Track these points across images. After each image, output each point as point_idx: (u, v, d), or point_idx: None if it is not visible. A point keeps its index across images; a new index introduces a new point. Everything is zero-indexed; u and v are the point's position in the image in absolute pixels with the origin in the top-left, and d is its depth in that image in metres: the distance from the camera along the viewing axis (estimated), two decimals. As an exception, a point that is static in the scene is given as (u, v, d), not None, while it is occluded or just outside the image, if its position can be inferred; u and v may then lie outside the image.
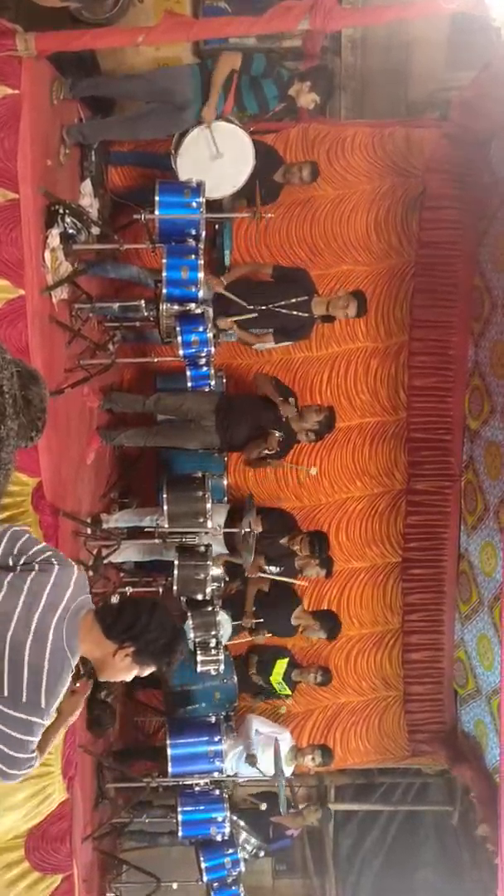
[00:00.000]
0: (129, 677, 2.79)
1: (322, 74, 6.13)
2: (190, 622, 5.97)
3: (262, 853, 6.91)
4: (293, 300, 6.21)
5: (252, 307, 6.14)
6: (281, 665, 6.93)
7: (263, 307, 6.17)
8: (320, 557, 6.59)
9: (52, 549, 2.82)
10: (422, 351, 7.19)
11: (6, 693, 2.53)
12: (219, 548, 6.24)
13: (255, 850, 6.75)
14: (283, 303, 6.19)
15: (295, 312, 6.24)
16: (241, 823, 6.62)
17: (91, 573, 5.52)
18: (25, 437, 2.65)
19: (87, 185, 5.81)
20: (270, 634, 6.81)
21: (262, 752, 6.37)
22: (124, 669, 2.74)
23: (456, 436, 7.27)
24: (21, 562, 2.70)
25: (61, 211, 4.92)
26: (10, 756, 2.57)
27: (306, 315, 6.31)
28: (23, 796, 4.52)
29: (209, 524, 5.82)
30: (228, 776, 6.12)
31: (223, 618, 6.23)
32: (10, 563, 2.70)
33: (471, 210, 6.87)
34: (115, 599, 2.81)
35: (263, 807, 6.60)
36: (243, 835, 6.59)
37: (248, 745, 6.38)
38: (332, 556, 6.89)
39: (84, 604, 2.71)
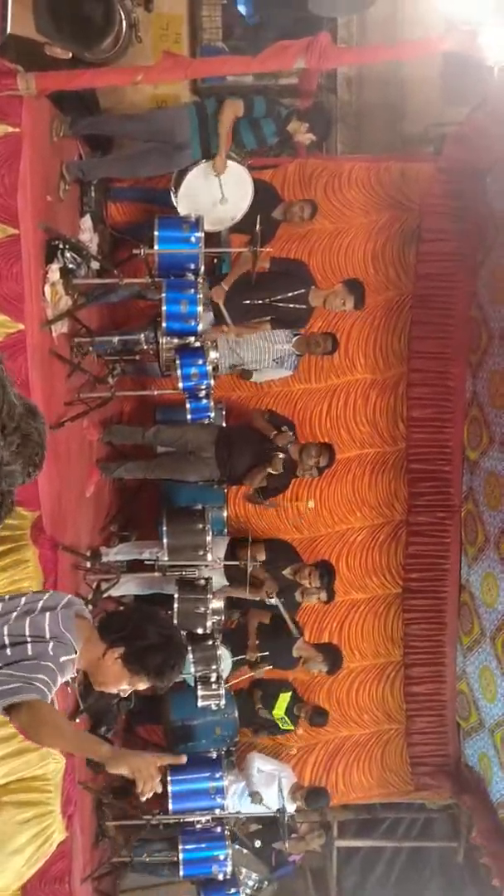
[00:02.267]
0: (122, 686, 2.73)
1: (320, 115, 6.24)
2: (190, 657, 5.92)
3: (265, 884, 6.81)
4: (291, 294, 6.23)
5: (249, 302, 6.15)
6: (284, 699, 6.84)
7: (261, 301, 6.18)
8: (328, 589, 6.55)
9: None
10: (420, 382, 7.22)
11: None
12: (219, 580, 6.21)
13: (256, 885, 6.65)
14: (280, 297, 6.21)
15: (293, 305, 6.26)
16: (244, 852, 6.51)
17: (91, 607, 5.49)
18: (24, 473, 2.64)
19: (86, 221, 5.87)
20: (270, 667, 6.75)
21: (265, 790, 6.29)
22: (116, 675, 2.70)
23: (455, 466, 7.28)
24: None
25: (61, 246, 4.97)
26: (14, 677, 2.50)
27: (304, 307, 6.32)
28: (26, 838, 4.44)
29: (209, 557, 5.80)
30: (230, 813, 6.03)
31: (223, 652, 6.18)
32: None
33: (467, 242, 6.94)
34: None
35: (258, 844, 6.50)
36: (244, 871, 6.49)
37: (249, 783, 6.30)
38: (333, 587, 6.85)
39: (74, 602, 2.69)
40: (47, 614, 2.61)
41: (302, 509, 7.18)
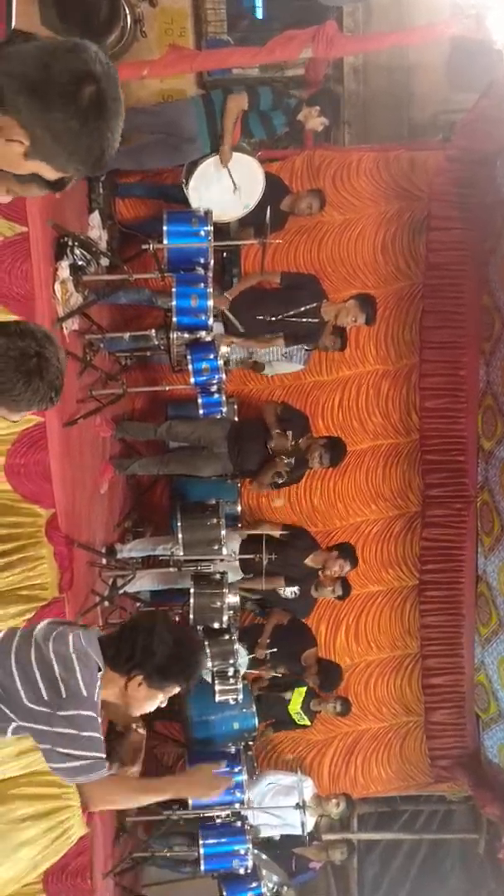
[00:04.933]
0: (156, 704, 2.72)
1: (328, 98, 6.20)
2: (207, 651, 5.92)
3: (284, 889, 6.79)
4: (303, 308, 6.21)
5: (261, 318, 6.13)
6: (299, 694, 6.83)
7: (273, 318, 6.16)
8: (351, 560, 6.50)
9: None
10: (433, 372, 7.18)
11: (34, 700, 2.50)
12: (234, 574, 6.20)
13: (276, 888, 6.63)
14: (292, 312, 6.19)
15: (305, 319, 6.24)
16: (263, 857, 6.51)
17: (107, 603, 5.49)
18: (46, 398, 2.50)
19: (95, 217, 5.86)
20: (282, 671, 6.72)
21: (284, 800, 6.29)
22: (145, 698, 2.68)
23: (470, 456, 7.23)
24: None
25: (70, 243, 4.95)
26: (72, 756, 2.51)
27: (316, 321, 6.30)
28: (38, 830, 4.46)
29: (224, 551, 5.79)
30: (251, 808, 6.03)
31: (239, 648, 6.17)
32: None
33: (477, 230, 6.89)
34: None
35: (263, 857, 6.47)
36: (264, 873, 6.47)
37: (254, 793, 6.29)
38: (349, 579, 6.83)
39: (93, 632, 2.67)
40: (70, 642, 2.58)
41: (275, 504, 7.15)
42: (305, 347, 6.56)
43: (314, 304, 6.24)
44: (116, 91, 1.56)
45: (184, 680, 2.71)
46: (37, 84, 1.45)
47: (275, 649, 6.51)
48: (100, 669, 2.60)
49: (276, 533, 6.34)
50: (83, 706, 2.50)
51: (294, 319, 6.19)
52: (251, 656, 6.35)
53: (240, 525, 6.72)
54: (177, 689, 2.72)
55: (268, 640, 6.52)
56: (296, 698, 6.82)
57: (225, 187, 5.77)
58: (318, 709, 6.93)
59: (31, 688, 2.51)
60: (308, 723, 6.98)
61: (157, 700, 2.71)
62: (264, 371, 6.74)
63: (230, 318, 6.07)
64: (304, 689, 6.87)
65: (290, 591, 6.49)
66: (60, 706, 2.49)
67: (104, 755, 2.57)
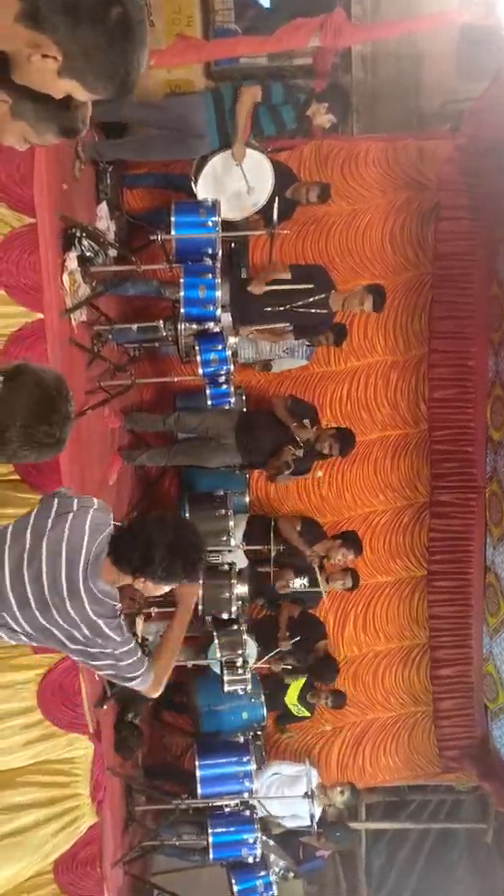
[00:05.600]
0: (166, 590, 2.93)
1: (338, 95, 6.16)
2: (216, 642, 5.94)
3: (290, 875, 6.81)
4: (311, 299, 6.19)
5: (270, 309, 6.12)
6: (296, 686, 6.80)
7: (282, 308, 6.16)
8: (356, 550, 6.54)
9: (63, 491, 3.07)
10: (441, 363, 7.16)
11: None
12: (241, 562, 6.21)
13: (282, 872, 6.66)
14: (301, 303, 6.18)
15: (314, 310, 6.23)
16: (271, 843, 6.54)
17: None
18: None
19: (103, 208, 5.85)
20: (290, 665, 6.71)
21: (290, 790, 6.31)
22: (154, 588, 2.89)
23: (479, 447, 7.22)
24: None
25: (78, 234, 4.95)
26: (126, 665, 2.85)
27: (325, 311, 6.28)
28: (44, 817, 4.50)
29: (232, 542, 5.80)
30: (259, 797, 6.05)
31: (248, 638, 6.18)
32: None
33: (486, 220, 6.85)
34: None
35: (270, 842, 6.50)
36: (271, 856, 6.51)
37: (259, 782, 6.30)
38: (357, 570, 6.84)
39: (102, 547, 2.83)
40: (80, 581, 2.78)
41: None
42: (307, 343, 6.56)
43: (323, 295, 6.22)
44: (141, 15, 1.73)
45: (186, 576, 2.90)
46: (70, 3, 1.63)
47: (297, 638, 6.51)
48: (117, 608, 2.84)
49: (298, 527, 6.34)
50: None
51: (303, 310, 6.18)
52: (276, 651, 6.32)
53: (248, 516, 6.73)
54: (185, 580, 2.93)
55: (287, 634, 6.52)
56: (292, 691, 6.80)
57: (233, 184, 5.75)
58: (313, 701, 6.92)
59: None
60: (307, 714, 6.98)
61: (164, 588, 2.91)
62: (271, 370, 6.75)
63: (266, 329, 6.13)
64: (302, 680, 6.85)
65: (299, 583, 6.50)
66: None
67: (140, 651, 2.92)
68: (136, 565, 2.80)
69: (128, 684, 2.98)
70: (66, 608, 2.75)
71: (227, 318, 5.89)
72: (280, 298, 6.12)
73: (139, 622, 3.62)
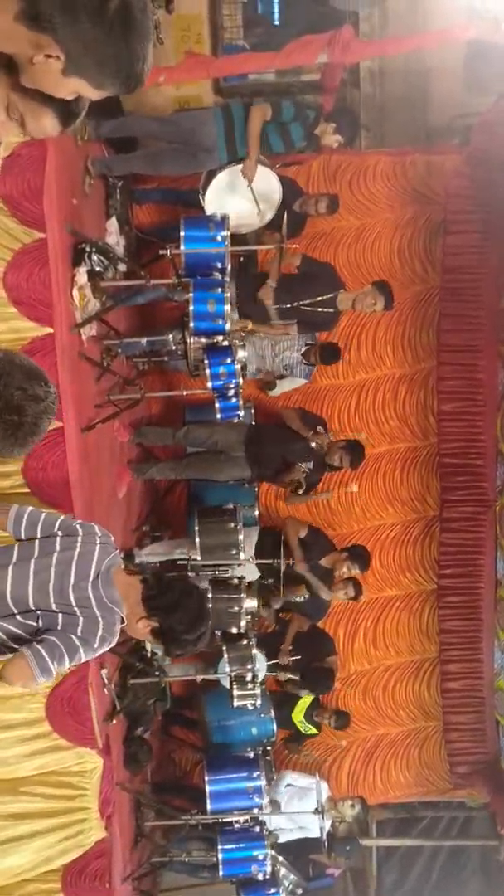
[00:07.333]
0: (141, 638, 3.12)
1: (347, 117, 6.19)
2: (225, 656, 5.92)
3: (300, 891, 6.76)
4: (319, 298, 6.19)
5: (275, 305, 6.11)
6: (304, 703, 6.76)
7: (288, 305, 6.16)
8: (362, 565, 6.53)
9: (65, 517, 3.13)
10: (450, 375, 7.15)
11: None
12: (251, 575, 6.19)
13: (292, 887, 6.61)
14: (308, 301, 6.18)
15: (320, 309, 6.23)
16: (280, 859, 6.49)
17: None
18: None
19: (112, 223, 5.89)
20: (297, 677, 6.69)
21: (300, 804, 6.27)
22: (141, 632, 3.00)
23: (488, 460, 7.19)
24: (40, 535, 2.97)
25: (88, 249, 4.98)
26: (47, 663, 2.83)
27: (331, 311, 6.28)
28: (47, 826, 4.49)
29: (242, 556, 5.79)
30: (268, 812, 6.02)
31: (257, 653, 6.16)
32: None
33: (494, 233, 6.86)
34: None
35: (280, 859, 6.46)
36: (282, 870, 6.46)
37: (275, 795, 6.27)
38: (366, 584, 6.80)
39: (113, 562, 2.97)
40: (89, 591, 2.89)
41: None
42: (305, 362, 6.58)
43: (330, 294, 6.22)
44: (142, 5, 1.67)
45: (192, 647, 3.06)
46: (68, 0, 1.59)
47: (298, 656, 6.48)
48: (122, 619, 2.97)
49: (303, 533, 6.34)
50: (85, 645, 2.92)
51: (309, 308, 6.18)
52: (273, 662, 6.32)
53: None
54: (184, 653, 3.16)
55: (290, 647, 6.49)
56: (299, 708, 6.76)
57: (241, 199, 5.77)
58: (318, 720, 6.88)
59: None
60: (315, 731, 6.94)
61: (146, 637, 3.07)
62: (272, 392, 6.76)
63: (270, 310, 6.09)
64: (311, 697, 6.81)
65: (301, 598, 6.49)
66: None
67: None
68: (164, 614, 2.91)
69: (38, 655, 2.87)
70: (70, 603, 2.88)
71: (233, 316, 5.90)
72: (287, 294, 6.08)
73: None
